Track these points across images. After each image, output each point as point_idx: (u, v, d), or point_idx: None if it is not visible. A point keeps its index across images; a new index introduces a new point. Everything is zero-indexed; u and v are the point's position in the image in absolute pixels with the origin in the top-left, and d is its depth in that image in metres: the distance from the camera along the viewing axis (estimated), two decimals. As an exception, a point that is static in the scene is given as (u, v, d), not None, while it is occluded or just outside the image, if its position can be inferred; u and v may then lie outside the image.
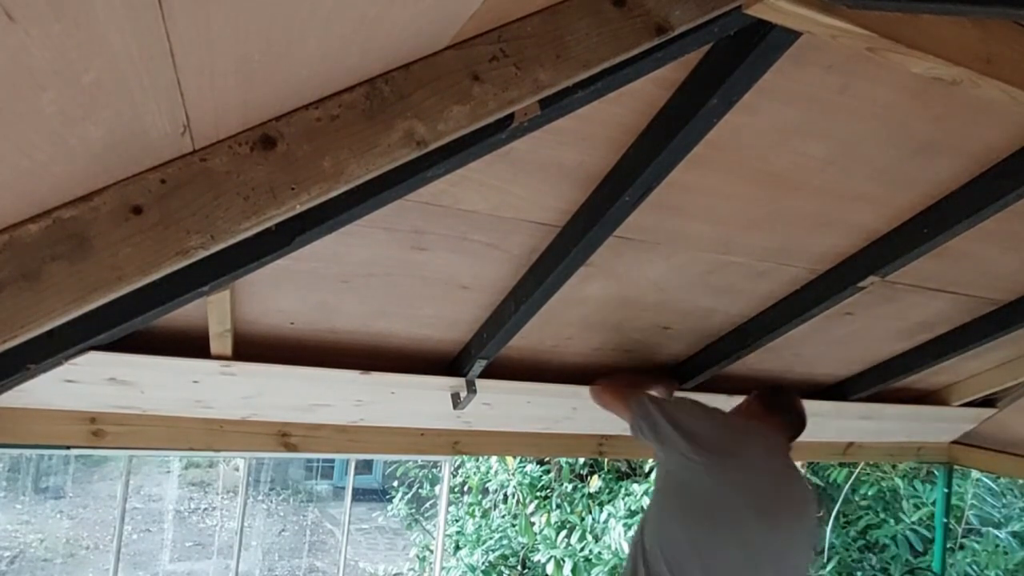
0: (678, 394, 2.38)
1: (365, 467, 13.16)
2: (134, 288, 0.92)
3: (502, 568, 6.64)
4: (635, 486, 6.87)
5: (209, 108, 0.88)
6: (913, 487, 6.12)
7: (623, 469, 7.52)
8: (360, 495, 11.89)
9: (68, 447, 2.09)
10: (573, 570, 5.97)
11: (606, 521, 6.46)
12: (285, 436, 2.30)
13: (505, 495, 6.90)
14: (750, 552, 1.76)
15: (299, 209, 0.96)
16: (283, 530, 11.75)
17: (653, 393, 2.11)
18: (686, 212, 1.62)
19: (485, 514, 6.86)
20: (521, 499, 6.96)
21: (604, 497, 6.96)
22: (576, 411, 2.50)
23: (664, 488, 1.97)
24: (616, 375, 2.27)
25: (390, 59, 0.94)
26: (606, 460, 7.23)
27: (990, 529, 5.92)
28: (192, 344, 1.77)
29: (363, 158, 0.95)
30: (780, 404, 2.08)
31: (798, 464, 2.12)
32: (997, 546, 5.73)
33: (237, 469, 11.83)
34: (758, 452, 1.89)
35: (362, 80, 0.95)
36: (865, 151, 1.48)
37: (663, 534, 1.83)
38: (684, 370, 2.46)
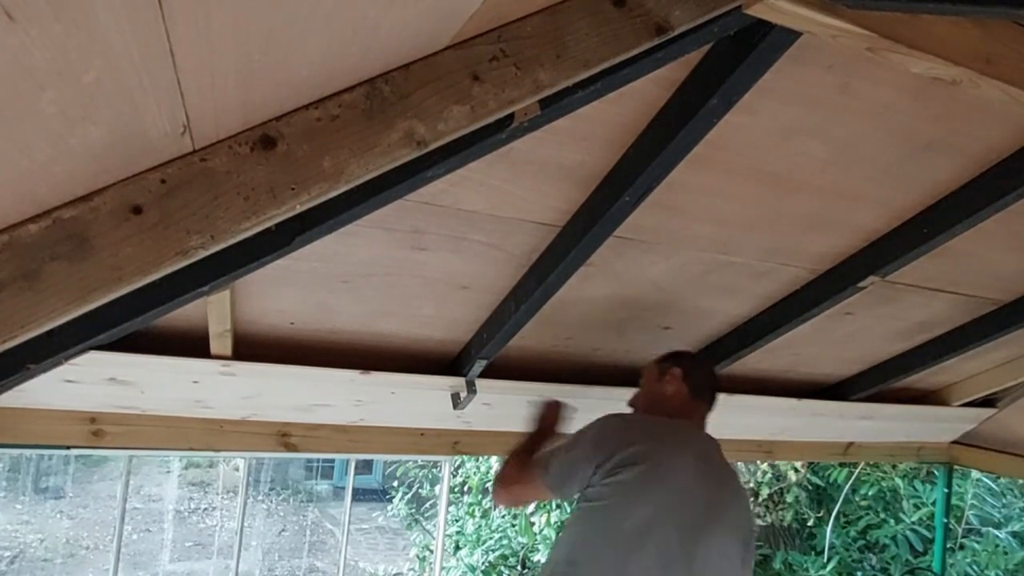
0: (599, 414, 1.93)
1: (365, 467, 13.16)
2: (134, 288, 0.92)
3: (502, 568, 6.63)
4: (635, 486, 6.84)
5: (209, 108, 0.88)
6: (913, 487, 6.12)
7: (623, 469, 7.49)
8: (360, 495, 11.89)
9: (68, 447, 2.09)
10: (573, 570, 5.95)
11: (606, 521, 6.43)
12: (285, 436, 2.30)
13: (505, 495, 6.88)
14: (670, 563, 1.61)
15: (299, 209, 0.96)
16: (283, 530, 11.75)
17: (553, 444, 1.88)
18: (686, 212, 1.62)
19: (485, 514, 6.85)
20: (521, 499, 6.92)
21: (604, 497, 6.93)
22: (576, 411, 2.50)
23: (587, 510, 1.69)
24: (505, 467, 2.00)
25: (390, 59, 0.94)
26: (606, 460, 7.21)
27: (990, 529, 5.92)
28: (192, 344, 1.77)
29: (363, 158, 0.95)
30: (704, 384, 1.91)
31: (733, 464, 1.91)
32: (997, 546, 5.73)
33: (237, 469, 11.83)
34: (689, 462, 1.69)
35: (362, 80, 0.95)
36: (865, 151, 1.48)
37: (582, 554, 1.64)
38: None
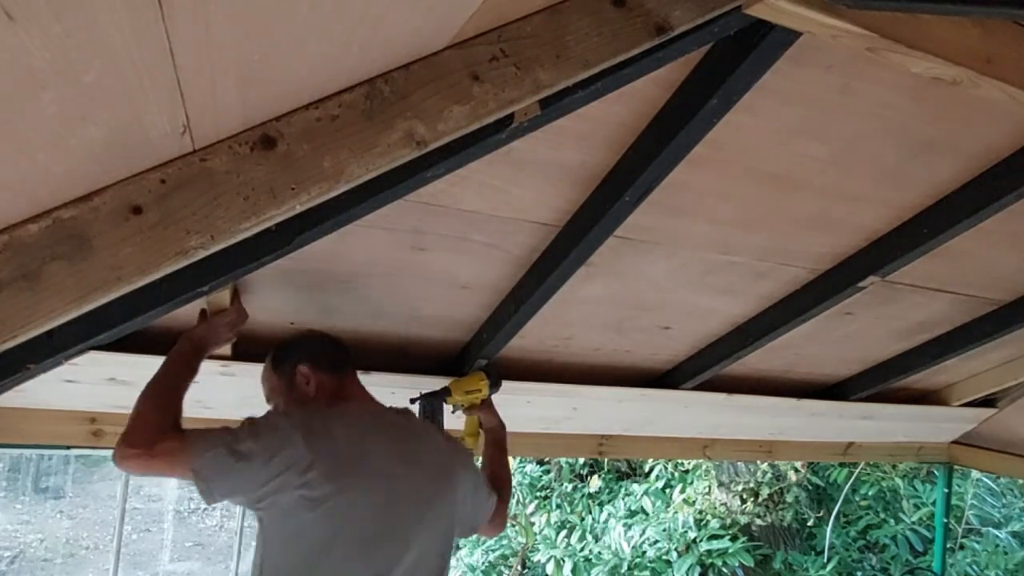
0: None
1: (365, 467, 13.12)
2: (134, 288, 0.92)
3: (502, 568, 6.64)
4: (635, 486, 6.87)
5: (209, 108, 0.88)
6: (913, 487, 6.13)
7: (623, 469, 7.52)
8: (360, 495, 11.88)
9: (68, 447, 2.09)
10: (573, 570, 5.97)
11: (606, 521, 6.46)
12: (285, 436, 2.29)
13: (505, 495, 6.89)
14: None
15: (299, 209, 0.96)
16: (283, 530, 11.71)
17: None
18: (686, 212, 1.62)
19: (485, 514, 6.85)
20: (521, 499, 6.96)
21: (604, 497, 6.97)
22: (576, 411, 2.50)
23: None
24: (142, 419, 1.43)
25: (390, 59, 0.94)
26: (606, 460, 7.23)
27: (990, 529, 5.93)
28: (192, 344, 1.77)
29: (363, 158, 0.95)
30: (335, 354, 1.68)
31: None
32: (997, 546, 5.74)
33: (237, 469, 11.82)
34: (380, 442, 1.54)
35: (362, 80, 0.95)
36: (865, 151, 1.48)
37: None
38: (684, 370, 2.46)
